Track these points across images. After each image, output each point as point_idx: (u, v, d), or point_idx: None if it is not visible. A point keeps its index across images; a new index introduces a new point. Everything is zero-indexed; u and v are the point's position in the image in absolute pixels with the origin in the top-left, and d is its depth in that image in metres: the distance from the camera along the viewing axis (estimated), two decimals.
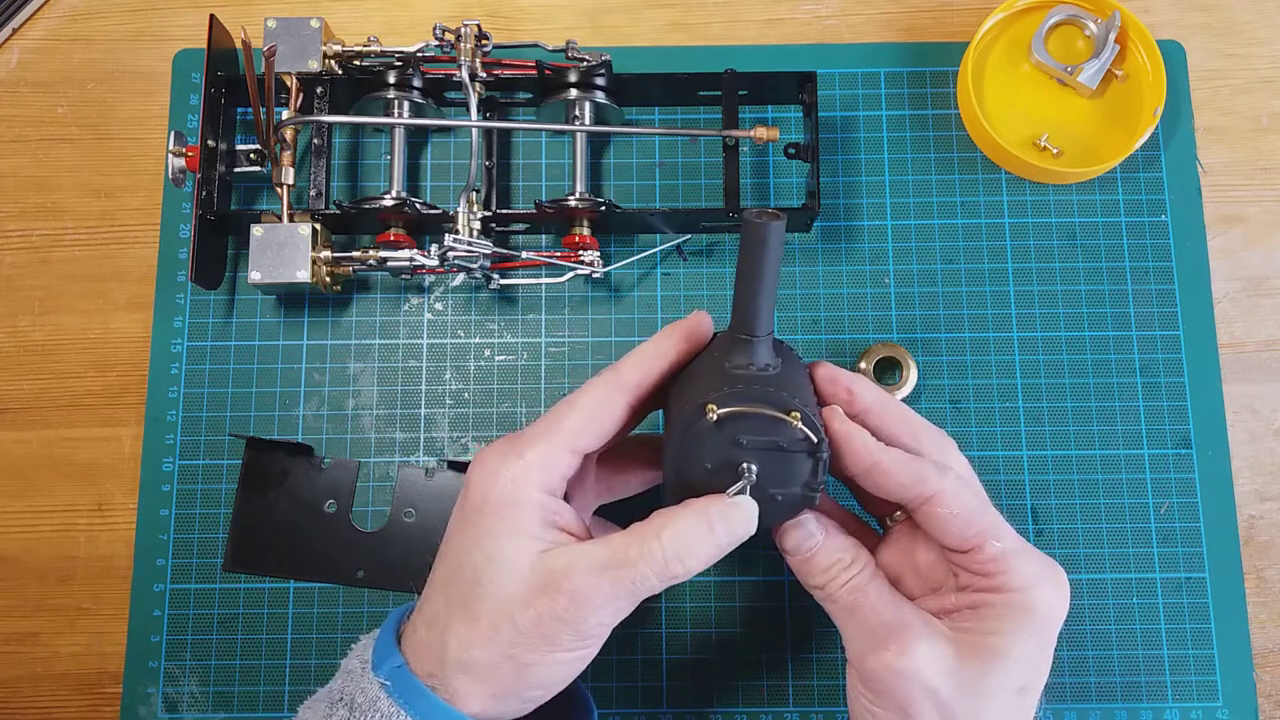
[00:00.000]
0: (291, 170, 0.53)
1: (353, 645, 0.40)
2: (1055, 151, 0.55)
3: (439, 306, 0.55)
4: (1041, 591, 0.39)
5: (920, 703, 0.38)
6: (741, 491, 0.39)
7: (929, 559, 0.41)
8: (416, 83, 0.55)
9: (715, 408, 0.38)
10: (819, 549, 0.40)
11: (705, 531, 0.37)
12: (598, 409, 0.39)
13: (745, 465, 0.39)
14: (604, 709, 0.51)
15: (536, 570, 0.36)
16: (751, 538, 0.39)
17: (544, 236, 0.56)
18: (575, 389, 0.40)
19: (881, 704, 0.39)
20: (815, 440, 0.39)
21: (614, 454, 0.44)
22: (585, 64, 0.54)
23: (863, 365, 0.53)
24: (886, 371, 0.54)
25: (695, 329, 0.41)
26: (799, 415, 0.38)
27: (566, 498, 0.40)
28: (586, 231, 0.53)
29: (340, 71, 0.55)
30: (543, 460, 0.38)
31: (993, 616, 0.39)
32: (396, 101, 0.55)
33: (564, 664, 0.37)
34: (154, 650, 0.51)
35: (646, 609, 0.52)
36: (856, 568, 0.40)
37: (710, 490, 0.39)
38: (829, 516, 0.42)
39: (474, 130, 0.52)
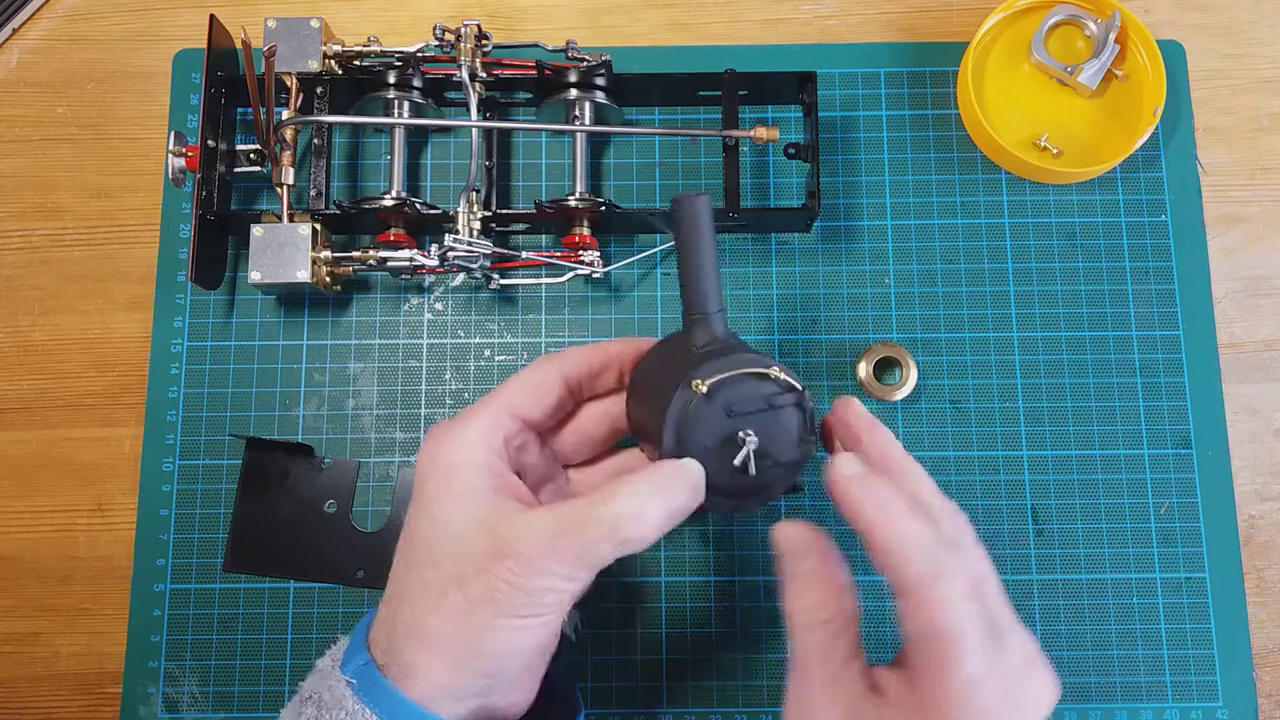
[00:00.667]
0: (291, 170, 0.53)
1: (331, 644, 0.40)
2: (1055, 151, 0.55)
3: (439, 306, 0.55)
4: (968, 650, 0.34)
5: None
6: (746, 459, 0.39)
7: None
8: (416, 83, 0.55)
9: (701, 382, 0.38)
10: (811, 579, 0.38)
11: (653, 494, 0.36)
12: (532, 377, 0.41)
13: (743, 433, 0.39)
14: (604, 709, 0.51)
15: (486, 534, 0.36)
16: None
17: (544, 236, 0.56)
18: None
19: None
20: (799, 388, 0.40)
21: (563, 436, 0.44)
22: (585, 64, 0.54)
23: (863, 365, 0.53)
24: (886, 371, 0.54)
25: (635, 339, 0.43)
26: (778, 367, 0.39)
27: (519, 475, 0.40)
28: (586, 231, 0.53)
29: (340, 71, 0.55)
30: (483, 424, 0.39)
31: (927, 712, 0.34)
32: (396, 101, 0.55)
33: (518, 631, 0.36)
34: (154, 650, 0.51)
35: (647, 609, 0.52)
36: (829, 631, 0.37)
37: (717, 468, 0.39)
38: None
39: (474, 130, 0.52)
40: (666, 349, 0.42)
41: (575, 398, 0.43)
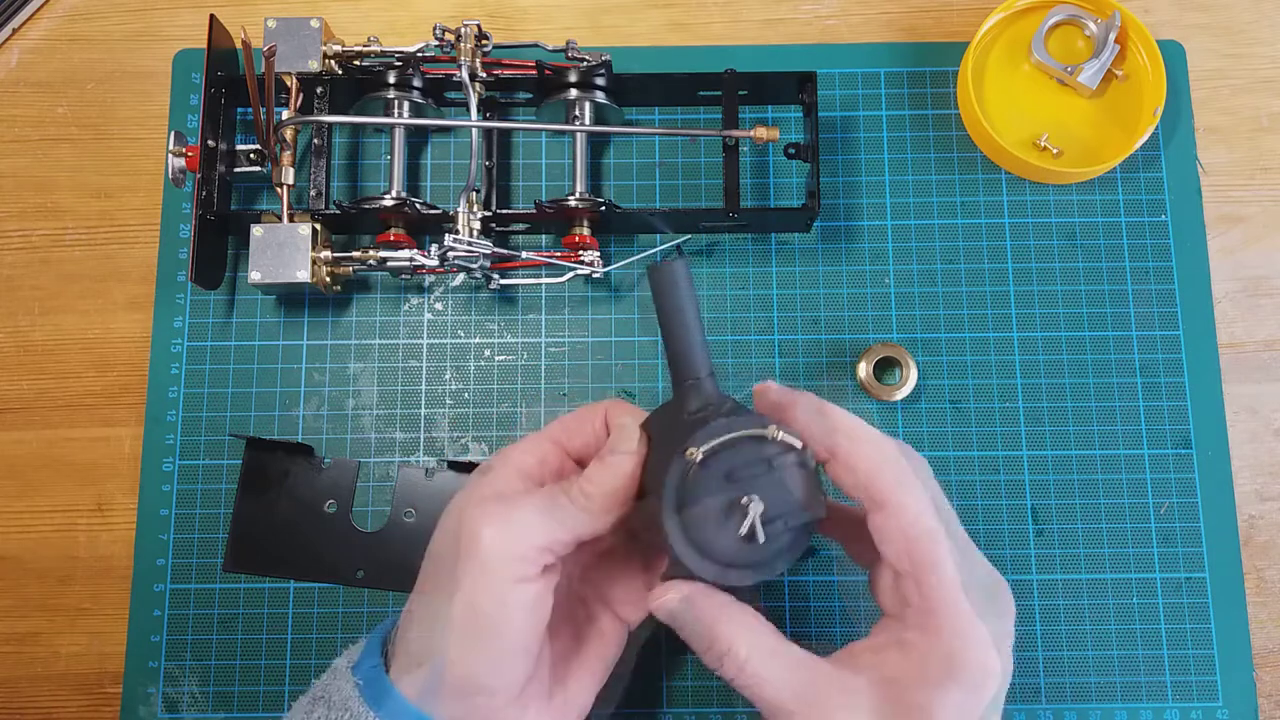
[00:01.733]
0: (291, 170, 0.53)
1: (350, 644, 0.41)
2: (1055, 151, 0.55)
3: (439, 306, 0.55)
4: (973, 650, 0.34)
5: None
6: (753, 524, 0.37)
7: (885, 588, 0.38)
8: (416, 83, 0.55)
9: (696, 450, 0.37)
10: (689, 622, 0.37)
11: (605, 459, 0.38)
12: (534, 443, 0.41)
13: (746, 498, 0.36)
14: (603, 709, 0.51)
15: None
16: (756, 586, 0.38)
17: (544, 236, 0.56)
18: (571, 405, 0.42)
19: None
20: (799, 446, 0.37)
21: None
22: (585, 64, 0.54)
23: (863, 365, 0.53)
24: (886, 371, 0.54)
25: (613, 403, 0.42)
26: (774, 427, 0.37)
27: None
28: (586, 231, 0.53)
29: (340, 71, 0.55)
30: (504, 471, 0.40)
31: (916, 662, 0.35)
32: (396, 101, 0.55)
33: (521, 609, 0.36)
34: (154, 650, 0.51)
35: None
36: (757, 642, 0.36)
37: (716, 537, 0.37)
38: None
39: (474, 130, 0.52)
40: (663, 428, 0.40)
41: (568, 465, 0.42)
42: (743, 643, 0.36)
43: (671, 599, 0.37)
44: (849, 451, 0.37)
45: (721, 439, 0.37)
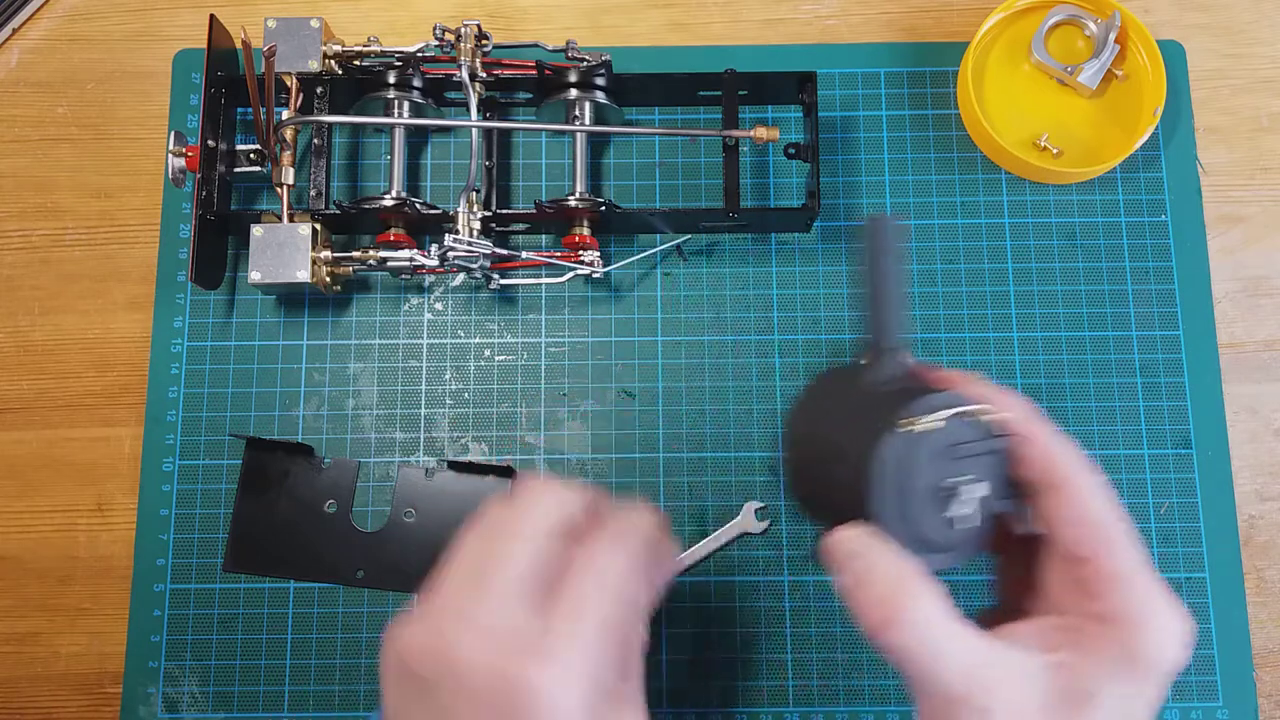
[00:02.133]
0: (291, 170, 0.53)
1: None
2: (1055, 151, 0.55)
3: (439, 306, 0.55)
4: (1154, 630, 0.33)
5: None
6: (974, 506, 0.35)
7: (1053, 575, 0.36)
8: (416, 83, 0.55)
9: (914, 421, 0.34)
10: (871, 569, 0.34)
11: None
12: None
13: (970, 477, 0.35)
14: None
15: None
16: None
17: (544, 236, 0.56)
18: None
19: None
20: (1008, 432, 0.36)
21: None
22: (585, 64, 0.54)
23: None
24: None
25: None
26: (988, 406, 0.35)
27: None
28: (586, 231, 0.53)
29: (340, 71, 0.55)
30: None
31: (1089, 650, 0.33)
32: (396, 101, 0.55)
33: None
34: (154, 650, 0.51)
35: None
36: (938, 614, 0.33)
37: (926, 515, 0.35)
38: None
39: (474, 130, 0.52)
40: (833, 393, 0.37)
41: None
42: (929, 610, 0.33)
43: (860, 537, 0.34)
44: (1029, 430, 0.36)
45: (947, 413, 0.35)
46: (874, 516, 0.34)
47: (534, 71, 0.54)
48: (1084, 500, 0.35)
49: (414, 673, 0.32)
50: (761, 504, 0.44)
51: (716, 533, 0.40)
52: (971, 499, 0.35)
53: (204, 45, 0.53)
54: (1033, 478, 0.36)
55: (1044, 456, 0.36)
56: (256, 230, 0.51)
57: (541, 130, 0.57)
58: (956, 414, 0.35)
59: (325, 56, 0.54)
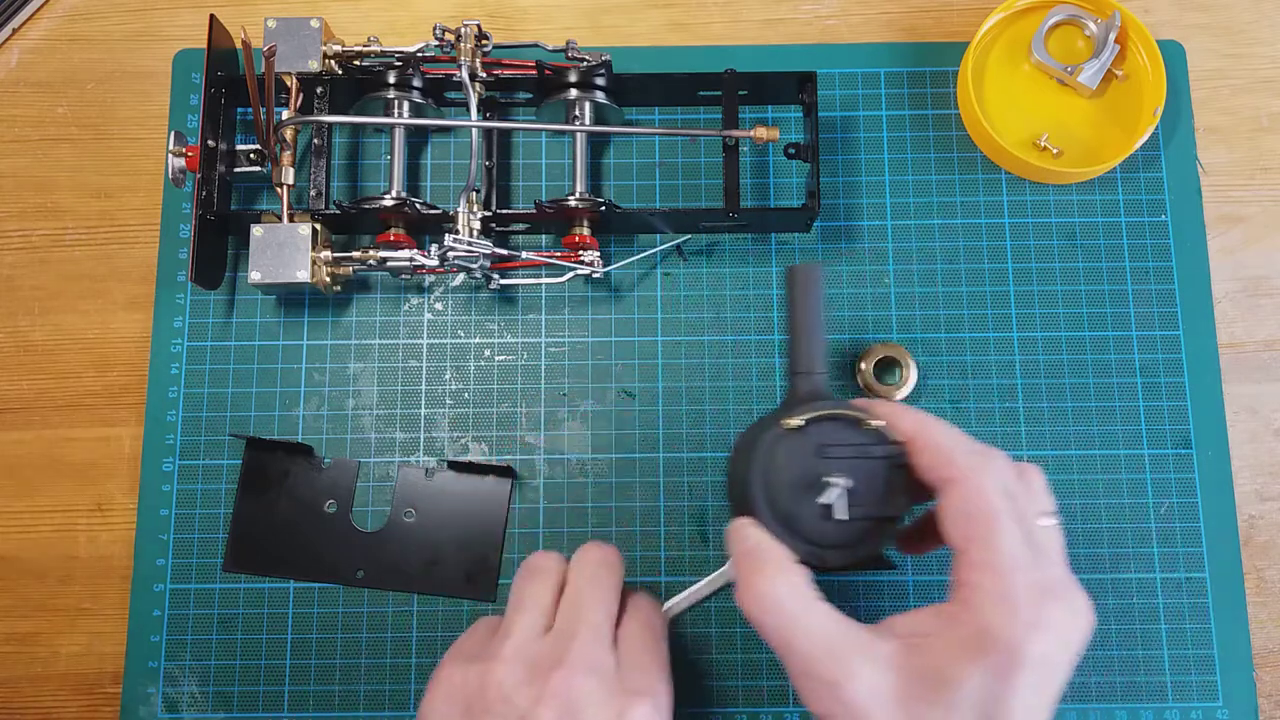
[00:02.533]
0: (291, 170, 0.53)
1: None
2: (1055, 151, 0.55)
3: (439, 306, 0.55)
4: (1001, 618, 0.34)
5: None
6: (835, 502, 0.39)
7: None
8: (416, 83, 0.55)
9: (792, 418, 0.40)
10: (742, 551, 0.39)
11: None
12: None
13: (834, 475, 0.39)
14: None
15: None
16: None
17: (544, 236, 0.56)
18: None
19: None
20: (898, 443, 0.40)
21: None
22: (585, 64, 0.54)
23: (863, 365, 0.53)
24: (886, 371, 0.54)
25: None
26: (873, 419, 0.40)
27: None
28: (586, 231, 0.53)
29: (340, 71, 0.55)
30: None
31: (945, 636, 0.35)
32: (396, 101, 0.55)
33: None
34: (154, 650, 0.51)
35: None
36: (795, 592, 0.37)
37: (797, 506, 0.40)
38: None
39: (474, 130, 0.52)
40: (767, 417, 0.43)
41: None
42: (784, 584, 0.37)
43: (742, 524, 0.40)
44: (923, 432, 0.39)
45: (818, 412, 0.40)
46: (751, 503, 0.40)
47: (534, 71, 0.54)
48: (965, 497, 0.37)
49: (510, 712, 0.36)
50: None
51: (698, 585, 0.43)
52: (834, 493, 0.39)
53: (204, 45, 0.53)
54: (928, 480, 0.38)
55: (934, 460, 0.38)
56: (256, 230, 0.51)
57: (541, 130, 0.57)
58: (820, 416, 0.40)
59: (325, 56, 0.54)
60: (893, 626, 0.37)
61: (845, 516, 0.39)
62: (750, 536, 0.39)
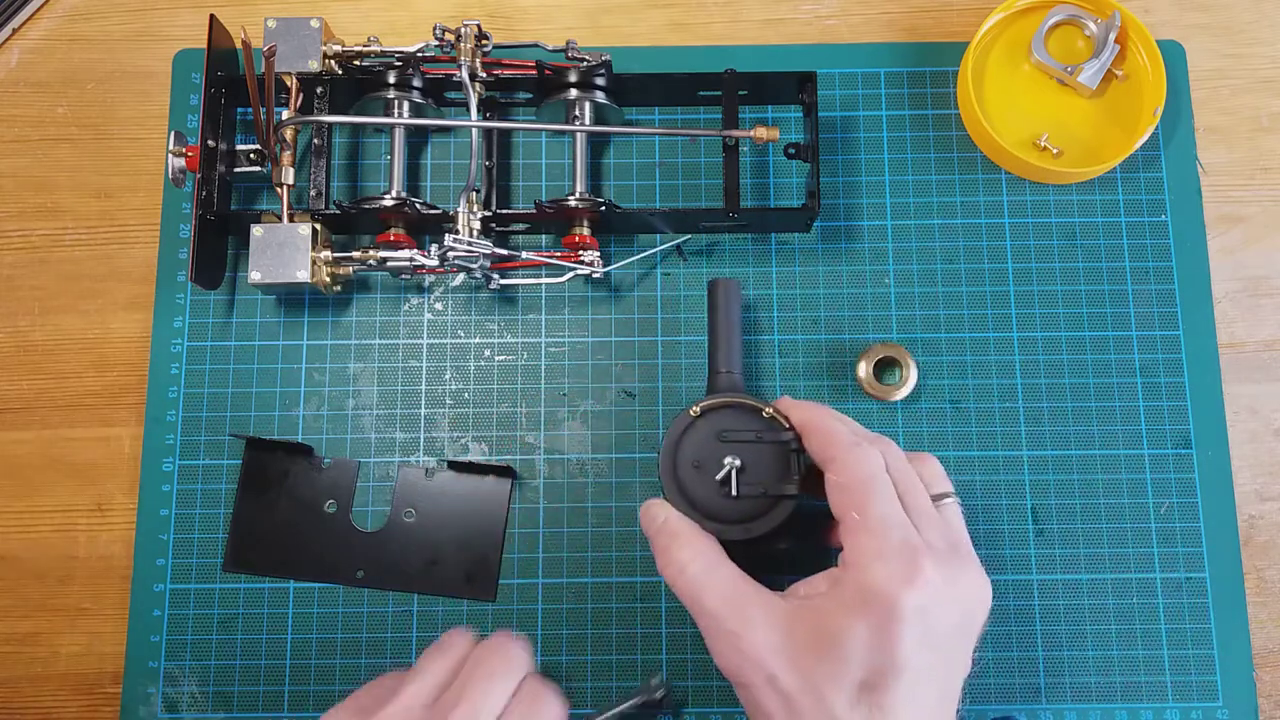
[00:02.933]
0: (291, 170, 0.53)
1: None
2: (1055, 151, 0.55)
3: (439, 306, 0.55)
4: (877, 574, 0.38)
5: (764, 694, 0.38)
6: (727, 478, 0.45)
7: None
8: (416, 83, 0.55)
9: (696, 407, 0.46)
10: (652, 522, 0.44)
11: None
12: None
13: (729, 457, 0.45)
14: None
15: None
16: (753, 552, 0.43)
17: (544, 236, 0.56)
18: None
19: (742, 698, 0.40)
20: (789, 428, 0.45)
21: None
22: (585, 64, 0.54)
23: (863, 365, 0.53)
24: (886, 371, 0.54)
25: None
26: (771, 408, 0.46)
27: None
28: (586, 231, 0.53)
29: (340, 71, 0.55)
30: None
31: (831, 595, 0.39)
32: (396, 101, 0.55)
33: None
34: (154, 650, 0.51)
35: (647, 608, 0.52)
36: (700, 556, 0.42)
37: (699, 484, 0.45)
38: None
39: (474, 130, 0.52)
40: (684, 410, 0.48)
41: None
42: (690, 553, 0.42)
43: (649, 504, 0.45)
44: (812, 419, 0.44)
45: (717, 400, 0.47)
46: (661, 481, 0.46)
47: (534, 71, 0.54)
48: (840, 470, 0.41)
49: None
50: (661, 680, 0.50)
51: (620, 707, 0.48)
52: (726, 472, 0.45)
53: (204, 45, 0.53)
54: (818, 461, 0.43)
55: (820, 442, 0.43)
56: (256, 230, 0.51)
57: (541, 130, 0.57)
58: (720, 404, 0.46)
59: (325, 56, 0.54)
60: (794, 591, 0.41)
61: (735, 493, 0.45)
62: (659, 514, 0.44)
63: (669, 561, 0.42)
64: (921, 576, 0.38)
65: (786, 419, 0.46)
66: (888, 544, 0.38)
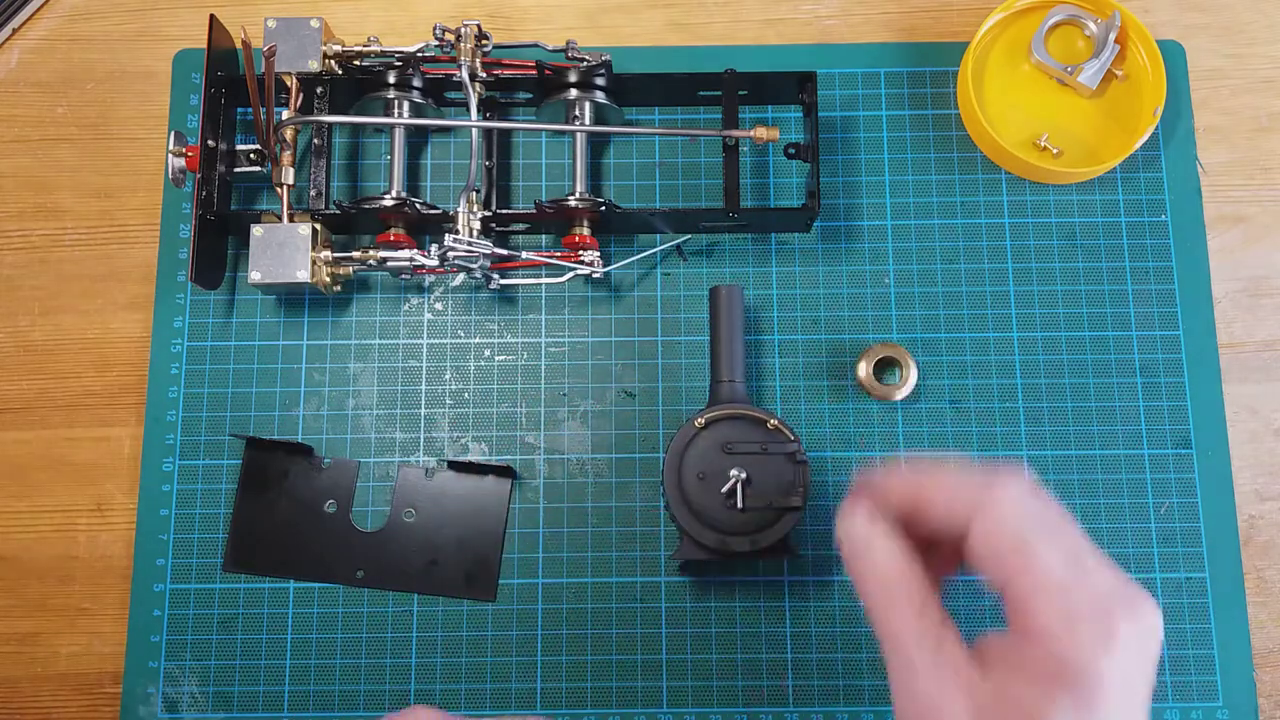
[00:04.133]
0: (291, 170, 0.53)
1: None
2: (1055, 151, 0.55)
3: (439, 306, 0.55)
4: (1071, 642, 0.32)
5: None
6: (732, 491, 0.44)
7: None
8: (416, 83, 0.55)
9: (700, 418, 0.46)
10: (885, 575, 0.36)
11: None
12: None
13: (735, 469, 0.45)
14: (604, 709, 0.51)
15: None
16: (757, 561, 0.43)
17: (544, 236, 0.56)
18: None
19: None
20: (794, 440, 0.45)
21: None
22: (585, 64, 0.54)
23: (863, 365, 0.53)
24: (886, 371, 0.54)
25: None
26: (778, 421, 0.45)
27: None
28: (586, 231, 0.53)
29: (340, 71, 0.55)
30: None
31: (1022, 672, 0.33)
32: (396, 101, 0.55)
33: None
34: (154, 650, 0.51)
35: (647, 609, 0.52)
36: (905, 587, 0.35)
37: (704, 495, 0.45)
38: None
39: (474, 130, 0.52)
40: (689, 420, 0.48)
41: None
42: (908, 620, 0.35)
43: (854, 523, 0.37)
44: (930, 483, 0.36)
45: (722, 411, 0.46)
46: (666, 492, 0.46)
47: (534, 71, 0.54)
48: (987, 533, 0.34)
49: None
50: None
51: None
52: (732, 484, 0.45)
53: (204, 45, 0.53)
54: (944, 522, 0.36)
55: (947, 499, 0.36)
56: (256, 230, 0.51)
57: (541, 130, 0.57)
58: (725, 416, 0.46)
59: (325, 56, 0.54)
60: (982, 651, 0.35)
61: (741, 506, 0.44)
62: (878, 556, 0.36)
63: (891, 616, 0.35)
64: (1119, 636, 0.33)
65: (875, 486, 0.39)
66: (1074, 605, 0.33)
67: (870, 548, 0.36)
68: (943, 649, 0.34)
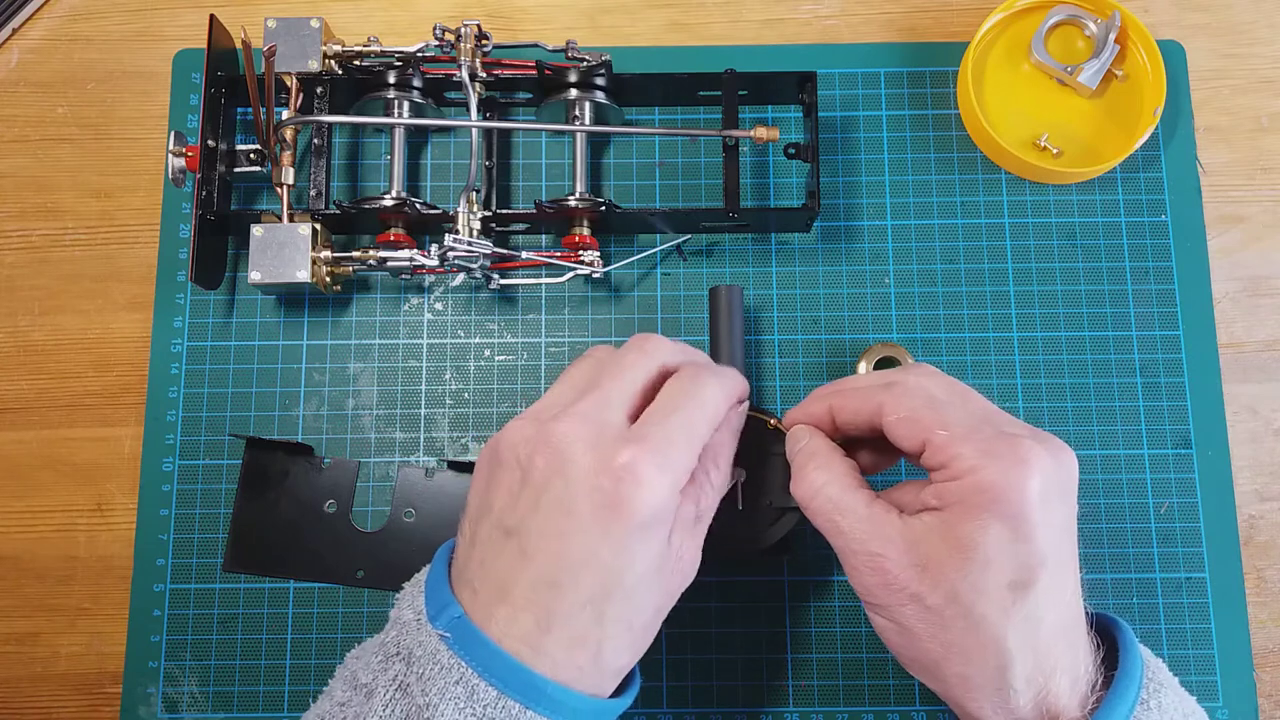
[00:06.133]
0: (291, 170, 0.53)
1: (398, 594, 0.39)
2: (1055, 151, 0.55)
3: (439, 306, 0.55)
4: (991, 470, 0.36)
5: (908, 613, 0.38)
6: (733, 491, 0.44)
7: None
8: (416, 83, 0.55)
9: None
10: (805, 449, 0.42)
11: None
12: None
13: (736, 469, 0.44)
14: None
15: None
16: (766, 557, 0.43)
17: (544, 236, 0.56)
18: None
19: (877, 621, 0.39)
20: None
21: None
22: (585, 64, 0.54)
23: (862, 365, 0.53)
24: None
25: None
26: (777, 420, 0.45)
27: None
28: (586, 231, 0.53)
29: (340, 71, 0.55)
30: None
31: (953, 509, 0.37)
32: (396, 101, 0.55)
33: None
34: (154, 650, 0.51)
35: None
36: (838, 479, 0.40)
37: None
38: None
39: (474, 130, 0.52)
40: None
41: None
42: (826, 475, 0.41)
43: (795, 429, 0.43)
44: (837, 395, 0.42)
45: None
46: None
47: (534, 71, 0.54)
48: (897, 405, 0.39)
49: (513, 461, 0.37)
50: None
51: None
52: (733, 485, 0.45)
53: (204, 45, 0.53)
54: (858, 424, 0.41)
55: (853, 404, 0.41)
56: (256, 230, 0.51)
57: (541, 130, 0.57)
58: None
59: (325, 56, 0.54)
60: (900, 507, 0.40)
61: (741, 506, 0.45)
62: (802, 437, 0.43)
63: (805, 483, 0.41)
64: (1032, 461, 0.37)
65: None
66: (988, 443, 0.37)
67: (806, 443, 0.42)
68: (873, 505, 0.39)
